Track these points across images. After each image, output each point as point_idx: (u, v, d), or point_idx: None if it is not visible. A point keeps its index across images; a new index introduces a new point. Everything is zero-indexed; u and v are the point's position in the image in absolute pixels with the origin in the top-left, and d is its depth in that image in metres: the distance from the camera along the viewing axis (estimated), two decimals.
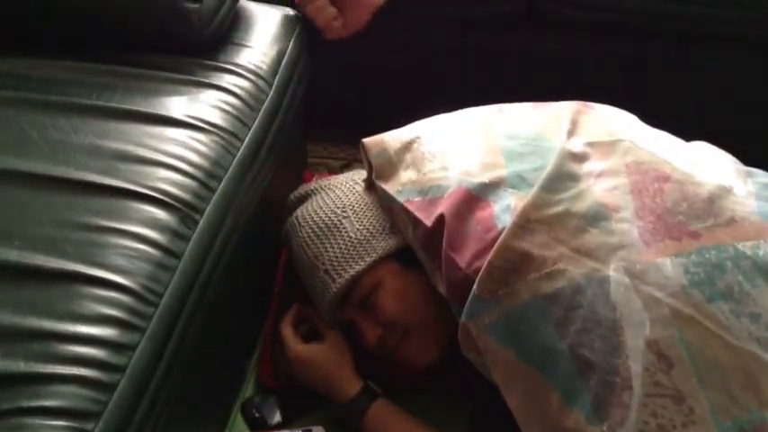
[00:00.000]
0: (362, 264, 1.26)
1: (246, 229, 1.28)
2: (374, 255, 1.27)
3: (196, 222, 1.16)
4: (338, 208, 1.32)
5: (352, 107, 1.99)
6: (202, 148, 1.25)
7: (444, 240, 1.11)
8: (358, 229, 1.29)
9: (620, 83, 1.81)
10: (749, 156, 1.23)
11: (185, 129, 1.27)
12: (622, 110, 1.28)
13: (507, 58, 1.97)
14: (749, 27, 1.82)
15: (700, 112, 1.84)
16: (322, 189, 1.39)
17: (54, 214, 1.09)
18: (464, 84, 1.91)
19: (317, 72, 1.70)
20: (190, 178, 1.19)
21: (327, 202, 1.34)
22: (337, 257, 1.27)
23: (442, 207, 1.13)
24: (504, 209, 1.09)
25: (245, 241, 1.28)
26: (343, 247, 1.28)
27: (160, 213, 1.13)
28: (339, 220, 1.31)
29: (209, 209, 1.19)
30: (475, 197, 1.12)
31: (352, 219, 1.30)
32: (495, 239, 1.06)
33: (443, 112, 1.35)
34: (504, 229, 1.06)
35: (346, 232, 1.29)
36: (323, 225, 1.31)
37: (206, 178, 1.21)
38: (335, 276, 1.26)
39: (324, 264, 1.28)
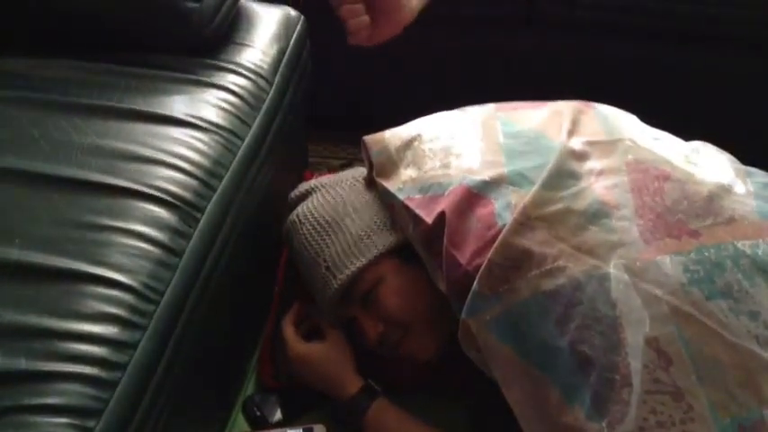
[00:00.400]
0: (364, 260, 1.26)
1: (247, 227, 1.28)
2: (375, 250, 1.27)
3: (197, 221, 1.16)
4: (339, 205, 1.33)
5: (353, 107, 1.99)
6: (203, 147, 1.25)
7: (445, 237, 1.11)
8: (359, 226, 1.29)
9: (620, 83, 1.82)
10: (749, 156, 1.23)
11: (186, 128, 1.27)
12: (623, 110, 1.28)
13: (507, 58, 1.98)
14: (749, 27, 1.83)
15: (700, 112, 1.84)
16: (323, 186, 1.40)
17: (55, 213, 1.09)
18: (464, 84, 1.91)
19: (318, 71, 1.70)
20: (190, 177, 1.20)
21: (328, 199, 1.35)
22: (338, 254, 1.27)
23: (443, 204, 1.13)
24: (505, 206, 1.09)
25: (246, 240, 1.28)
26: (345, 243, 1.28)
27: (161, 212, 1.13)
28: (340, 217, 1.31)
29: (210, 207, 1.19)
30: (476, 195, 1.12)
31: (353, 215, 1.30)
32: (495, 237, 1.06)
33: (445, 110, 1.35)
34: (504, 226, 1.06)
35: (347, 228, 1.29)
36: (324, 222, 1.31)
37: (207, 177, 1.22)
38: (336, 273, 1.27)
39: (325, 260, 1.28)
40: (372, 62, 1.94)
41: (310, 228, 1.32)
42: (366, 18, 1.40)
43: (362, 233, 1.28)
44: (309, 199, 1.38)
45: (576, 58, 1.94)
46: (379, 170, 1.30)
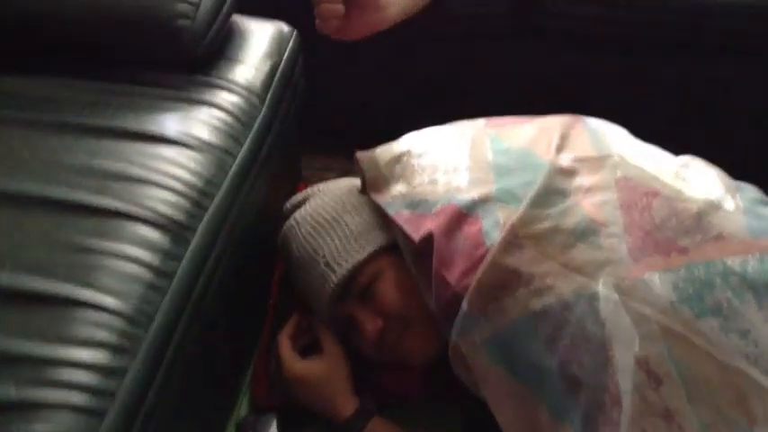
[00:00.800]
0: (363, 253, 1.26)
1: (239, 247, 1.28)
2: (374, 245, 1.27)
3: (188, 242, 1.15)
4: (338, 204, 1.33)
5: (347, 119, 1.99)
6: (194, 166, 1.24)
7: (434, 257, 1.11)
8: (359, 222, 1.29)
9: (618, 92, 1.81)
10: (748, 169, 1.22)
11: (177, 147, 1.26)
12: (614, 123, 1.28)
13: (504, 67, 1.97)
14: (750, 37, 1.81)
15: (699, 123, 1.83)
16: (319, 191, 1.40)
17: (45, 235, 1.09)
18: (460, 93, 1.91)
19: (312, 84, 1.70)
20: (181, 197, 1.19)
21: (326, 200, 1.35)
22: (338, 249, 1.27)
23: (431, 223, 1.13)
24: (493, 225, 1.08)
25: (239, 260, 1.27)
26: (344, 239, 1.27)
27: (152, 233, 1.12)
28: (339, 215, 1.31)
29: (202, 228, 1.18)
30: (464, 214, 1.11)
31: (353, 213, 1.31)
32: (483, 256, 1.06)
33: (439, 124, 1.34)
34: (492, 245, 1.06)
35: (347, 225, 1.29)
36: (323, 221, 1.31)
37: (198, 197, 1.21)
38: (336, 268, 1.26)
39: (324, 257, 1.28)
40: (368, 73, 1.95)
41: (309, 228, 1.32)
42: (340, 7, 1.35)
43: (362, 229, 1.28)
44: (307, 204, 1.38)
45: (573, 66, 1.93)
46: (371, 185, 1.29)
